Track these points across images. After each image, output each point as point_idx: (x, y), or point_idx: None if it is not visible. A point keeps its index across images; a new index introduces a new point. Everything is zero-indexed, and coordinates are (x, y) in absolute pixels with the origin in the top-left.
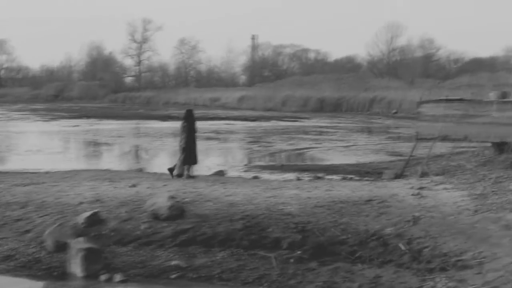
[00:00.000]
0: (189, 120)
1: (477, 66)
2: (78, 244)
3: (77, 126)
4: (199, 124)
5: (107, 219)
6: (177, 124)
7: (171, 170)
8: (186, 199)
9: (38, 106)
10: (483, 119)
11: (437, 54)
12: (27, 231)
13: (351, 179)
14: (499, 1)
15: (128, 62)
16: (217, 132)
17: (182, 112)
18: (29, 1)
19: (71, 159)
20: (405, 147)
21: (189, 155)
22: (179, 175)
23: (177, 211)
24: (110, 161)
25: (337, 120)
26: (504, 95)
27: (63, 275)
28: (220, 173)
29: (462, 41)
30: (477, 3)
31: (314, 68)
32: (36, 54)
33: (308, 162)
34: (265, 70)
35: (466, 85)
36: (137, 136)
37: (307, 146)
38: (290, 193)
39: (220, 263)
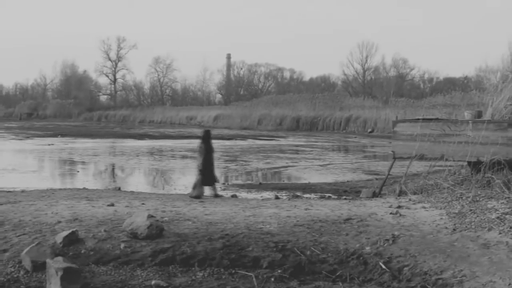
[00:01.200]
0: (205, 141)
1: (450, 85)
2: (57, 264)
3: (52, 144)
4: (175, 143)
5: (86, 238)
6: (152, 143)
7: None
8: (165, 218)
9: (12, 124)
10: (459, 138)
11: (411, 73)
12: (4, 251)
13: (329, 198)
14: (469, 23)
15: (103, 80)
16: (193, 150)
17: (158, 131)
18: (1, 18)
19: (47, 178)
20: (381, 166)
21: (206, 176)
22: (197, 196)
23: (156, 230)
24: (87, 179)
25: (313, 138)
26: (479, 114)
27: None
28: None
29: (433, 62)
30: (447, 25)
31: (289, 87)
32: (10, 72)
33: (286, 181)
34: (240, 88)
35: (441, 104)
36: (113, 155)
37: (284, 164)
38: (269, 212)
39: (201, 282)
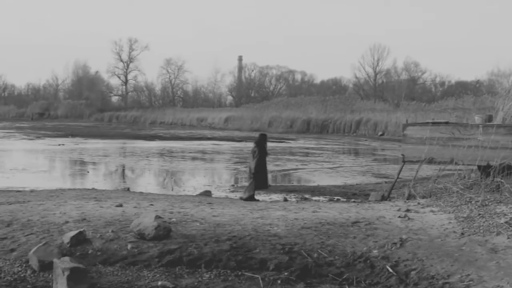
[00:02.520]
0: (260, 145)
1: (462, 89)
2: (63, 264)
3: (63, 145)
4: (186, 144)
5: (93, 239)
6: (163, 144)
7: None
8: (173, 219)
9: (24, 124)
10: (469, 142)
11: (423, 77)
12: (12, 250)
13: (337, 200)
14: (482, 26)
15: (114, 81)
16: (203, 152)
17: (169, 132)
18: (15, 19)
19: (56, 178)
20: (391, 169)
21: (260, 180)
22: (250, 198)
23: (164, 231)
24: (96, 180)
25: (324, 141)
26: (489, 118)
27: None
28: (207, 193)
29: (445, 65)
30: (459, 29)
31: (300, 89)
32: (22, 72)
33: (295, 183)
34: (251, 90)
35: (452, 108)
36: (123, 156)
37: (294, 167)
38: (277, 214)
39: (207, 283)
